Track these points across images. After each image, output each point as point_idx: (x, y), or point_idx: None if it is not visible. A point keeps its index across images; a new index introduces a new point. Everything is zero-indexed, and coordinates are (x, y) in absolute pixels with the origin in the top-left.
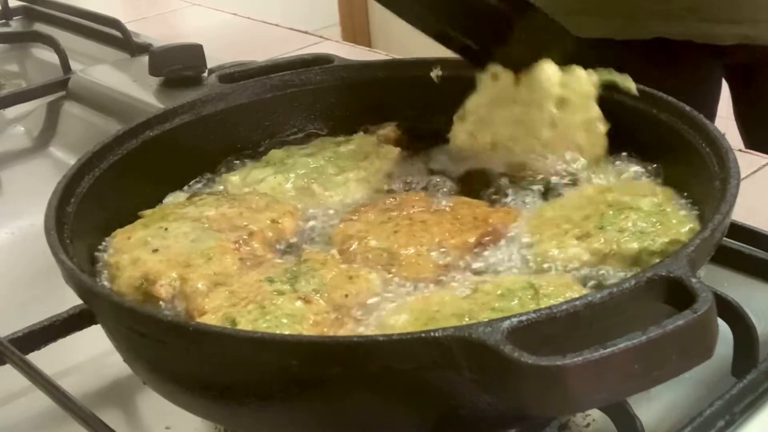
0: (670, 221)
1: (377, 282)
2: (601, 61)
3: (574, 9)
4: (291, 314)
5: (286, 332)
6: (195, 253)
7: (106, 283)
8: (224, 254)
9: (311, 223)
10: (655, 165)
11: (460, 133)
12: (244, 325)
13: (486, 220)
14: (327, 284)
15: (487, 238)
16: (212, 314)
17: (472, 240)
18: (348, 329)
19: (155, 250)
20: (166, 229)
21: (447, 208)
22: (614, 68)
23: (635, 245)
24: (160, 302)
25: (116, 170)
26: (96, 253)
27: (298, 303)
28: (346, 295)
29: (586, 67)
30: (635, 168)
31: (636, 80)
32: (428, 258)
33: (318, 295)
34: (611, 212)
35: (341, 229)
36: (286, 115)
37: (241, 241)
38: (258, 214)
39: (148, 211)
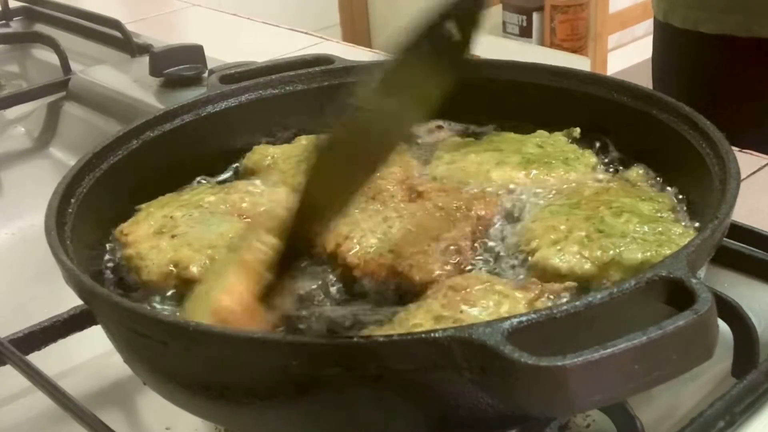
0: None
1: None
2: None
3: (693, 3)
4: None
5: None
6: (213, 235)
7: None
8: None
9: None
10: (653, 165)
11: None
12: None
13: (470, 208)
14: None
15: (480, 228)
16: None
17: (468, 230)
18: None
19: (173, 236)
20: (171, 217)
21: (423, 196)
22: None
23: (638, 255)
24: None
25: (117, 171)
26: (107, 257)
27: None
28: None
29: None
30: (635, 169)
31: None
32: (435, 255)
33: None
34: (608, 216)
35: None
36: (287, 115)
37: None
38: (258, 197)
39: (144, 205)
